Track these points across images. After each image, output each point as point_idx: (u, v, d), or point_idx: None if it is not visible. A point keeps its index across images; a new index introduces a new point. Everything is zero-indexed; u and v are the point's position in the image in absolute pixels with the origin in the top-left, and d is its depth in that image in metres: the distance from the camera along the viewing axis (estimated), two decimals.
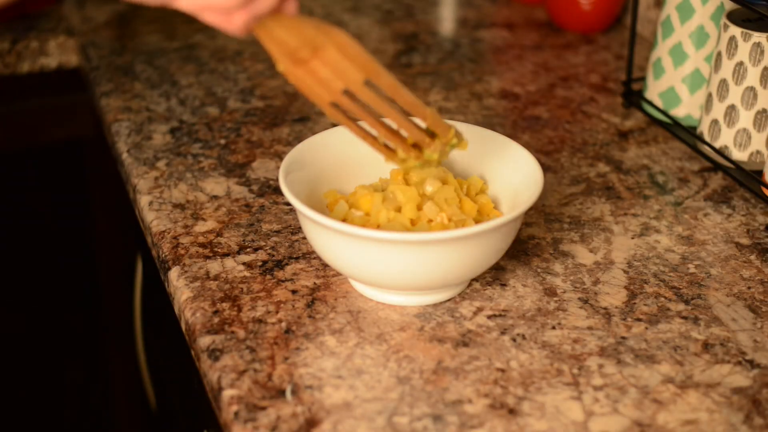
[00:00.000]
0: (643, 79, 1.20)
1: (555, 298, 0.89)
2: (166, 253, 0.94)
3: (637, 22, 1.28)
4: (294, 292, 0.89)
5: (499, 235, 0.84)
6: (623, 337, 0.85)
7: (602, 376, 0.81)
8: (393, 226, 0.86)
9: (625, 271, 0.93)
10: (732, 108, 1.05)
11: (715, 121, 1.07)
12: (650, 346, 0.84)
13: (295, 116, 1.18)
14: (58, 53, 1.38)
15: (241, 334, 0.84)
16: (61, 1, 1.47)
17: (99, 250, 1.54)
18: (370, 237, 0.81)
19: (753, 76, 1.03)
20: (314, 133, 1.06)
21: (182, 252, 0.94)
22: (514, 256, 0.94)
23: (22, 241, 1.55)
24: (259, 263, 0.93)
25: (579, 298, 0.89)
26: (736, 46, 1.03)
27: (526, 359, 0.82)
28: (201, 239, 0.96)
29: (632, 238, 0.98)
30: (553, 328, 0.86)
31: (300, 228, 0.97)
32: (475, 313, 0.87)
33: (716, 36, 1.11)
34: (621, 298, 0.90)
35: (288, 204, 1.01)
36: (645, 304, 0.89)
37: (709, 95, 1.08)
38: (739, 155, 1.06)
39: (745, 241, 0.98)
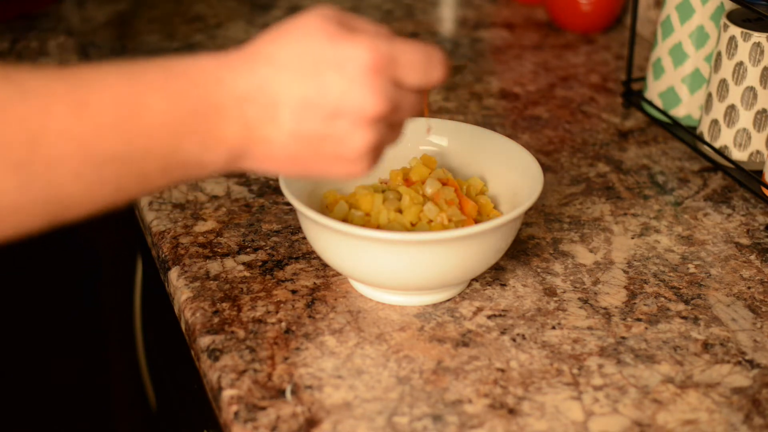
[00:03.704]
0: (643, 79, 1.20)
1: (555, 298, 0.89)
2: (166, 253, 0.94)
3: (637, 22, 1.28)
4: (294, 292, 0.89)
5: (499, 235, 0.84)
6: (623, 337, 0.85)
7: (602, 376, 0.81)
8: (393, 227, 0.86)
9: (625, 271, 0.93)
10: (732, 108, 1.05)
11: (715, 121, 1.07)
12: (650, 346, 0.84)
13: None
14: (58, 53, 1.38)
15: (241, 334, 0.84)
16: (61, 1, 1.47)
17: (99, 250, 1.54)
18: (370, 237, 0.81)
19: (753, 76, 1.03)
20: None
21: (182, 252, 0.94)
22: (514, 256, 0.94)
23: (21, 241, 1.55)
24: (259, 263, 0.93)
25: (579, 298, 0.89)
26: (736, 46, 1.03)
27: (526, 359, 0.82)
28: (201, 239, 0.96)
29: (632, 238, 0.98)
30: (553, 328, 0.86)
31: (300, 228, 0.97)
32: (475, 313, 0.87)
33: (716, 36, 1.11)
34: (621, 298, 0.90)
35: (288, 204, 1.01)
36: (645, 304, 0.89)
37: (709, 95, 1.08)
38: (739, 155, 1.06)
39: (745, 241, 0.98)
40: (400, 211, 0.87)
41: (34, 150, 0.59)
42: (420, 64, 0.67)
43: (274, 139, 0.65)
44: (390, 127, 0.69)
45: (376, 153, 0.68)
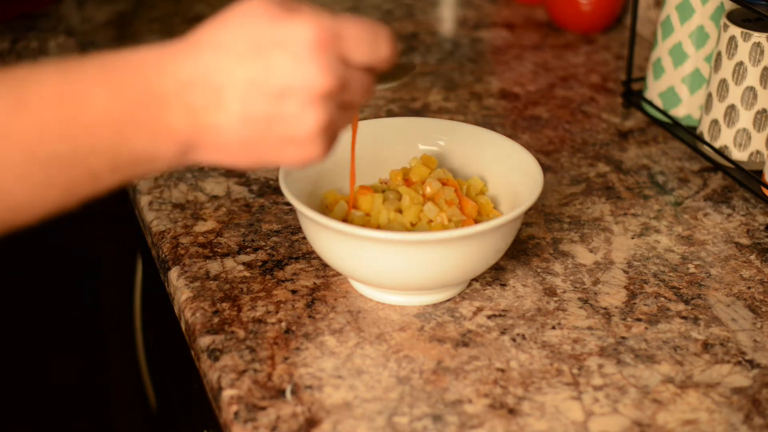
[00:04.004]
0: (643, 79, 1.20)
1: (555, 298, 0.89)
2: (166, 253, 0.94)
3: (637, 22, 1.28)
4: (294, 292, 0.89)
5: (499, 235, 0.84)
6: (623, 337, 0.85)
7: (602, 376, 0.81)
8: (393, 227, 0.86)
9: (625, 271, 0.93)
10: (732, 108, 1.05)
11: (715, 121, 1.07)
12: (650, 346, 0.84)
13: None
14: (58, 53, 1.38)
15: (241, 334, 0.84)
16: (60, 1, 1.47)
17: (99, 250, 1.53)
18: (370, 237, 0.81)
19: (753, 76, 1.03)
20: None
21: (182, 252, 0.94)
22: (514, 256, 0.94)
23: (21, 241, 1.55)
24: (259, 263, 0.93)
25: (579, 298, 0.89)
26: (736, 46, 1.03)
27: (526, 359, 0.82)
28: (201, 239, 0.96)
29: (632, 238, 0.98)
30: (553, 328, 0.86)
31: (300, 228, 0.97)
32: (475, 313, 0.87)
33: (716, 36, 1.11)
34: (621, 298, 0.90)
35: (288, 204, 1.01)
36: (645, 304, 0.89)
37: (709, 95, 1.08)
38: (739, 155, 1.06)
39: (745, 241, 0.98)
40: (400, 211, 0.87)
41: None
42: (366, 40, 0.65)
43: (222, 125, 0.63)
44: (341, 108, 0.66)
45: (328, 135, 0.66)
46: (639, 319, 0.87)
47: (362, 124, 0.96)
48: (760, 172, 1.04)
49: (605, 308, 0.88)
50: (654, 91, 1.17)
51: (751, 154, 1.06)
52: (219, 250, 0.94)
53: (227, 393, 0.79)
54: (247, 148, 0.64)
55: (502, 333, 0.85)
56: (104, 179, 0.62)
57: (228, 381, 0.79)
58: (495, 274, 0.92)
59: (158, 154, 0.63)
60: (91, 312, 1.59)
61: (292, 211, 1.00)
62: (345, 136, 0.94)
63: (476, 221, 0.89)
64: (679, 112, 1.15)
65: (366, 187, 0.90)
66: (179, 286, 0.90)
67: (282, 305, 0.87)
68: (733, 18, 1.05)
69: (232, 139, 0.64)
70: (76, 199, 0.62)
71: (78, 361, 1.62)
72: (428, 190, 0.89)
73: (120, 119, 0.61)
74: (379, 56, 0.66)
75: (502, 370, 0.81)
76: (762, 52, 1.02)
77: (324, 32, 0.63)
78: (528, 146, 1.12)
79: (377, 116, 1.18)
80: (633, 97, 1.20)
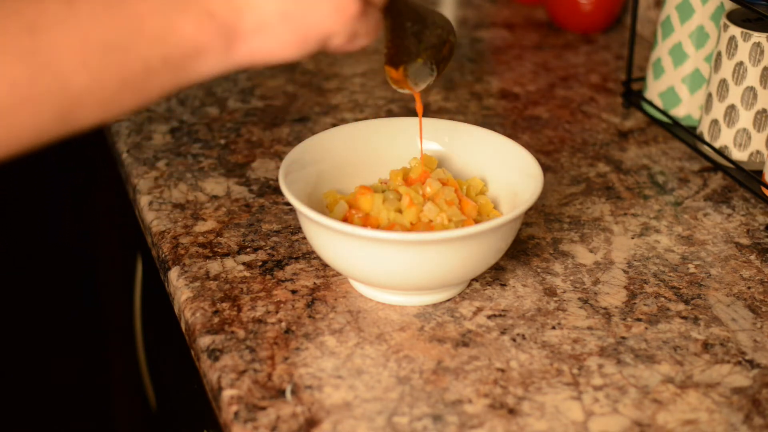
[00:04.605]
0: (643, 79, 1.20)
1: (555, 298, 0.89)
2: (166, 253, 0.94)
3: (637, 22, 1.28)
4: (294, 292, 0.89)
5: (499, 235, 0.84)
6: (623, 337, 0.85)
7: (602, 376, 0.81)
8: (393, 227, 0.86)
9: (625, 271, 0.93)
10: (732, 108, 1.05)
11: (715, 121, 1.07)
12: (650, 346, 0.84)
13: (295, 116, 1.18)
14: None
15: (241, 334, 0.84)
16: None
17: (99, 250, 1.53)
18: (370, 237, 0.81)
19: (753, 76, 1.03)
20: (314, 133, 1.06)
21: (182, 252, 0.94)
22: (514, 256, 0.94)
23: (23, 241, 1.55)
24: (259, 263, 0.93)
25: (579, 298, 0.89)
26: (736, 46, 1.03)
27: (526, 359, 0.82)
28: (201, 239, 0.96)
29: (632, 238, 0.98)
30: (553, 328, 0.86)
31: (300, 228, 0.97)
32: (475, 313, 0.87)
33: (716, 36, 1.11)
34: (621, 298, 0.90)
35: (288, 204, 1.01)
36: (645, 304, 0.89)
37: (709, 95, 1.08)
38: (739, 155, 1.06)
39: (745, 241, 0.98)
40: (400, 211, 0.87)
41: (35, 38, 0.61)
42: None
43: (259, 1, 0.68)
44: None
45: None
46: (639, 319, 0.87)
47: (362, 124, 0.96)
48: (760, 172, 1.04)
49: (605, 308, 0.88)
50: (654, 91, 1.17)
51: (751, 154, 1.06)
52: (219, 250, 0.94)
53: (227, 393, 0.79)
54: (288, 17, 0.68)
55: (502, 333, 0.85)
56: (157, 73, 0.66)
57: (228, 381, 0.79)
58: (495, 274, 0.92)
59: (205, 43, 0.67)
60: (91, 312, 1.59)
61: (292, 211, 1.00)
62: (339, 139, 0.94)
63: (476, 221, 0.89)
64: (679, 112, 1.15)
65: (366, 187, 0.90)
66: (179, 286, 0.90)
67: (282, 305, 0.88)
68: (733, 18, 1.05)
69: (271, 11, 0.68)
70: (133, 95, 0.66)
71: (78, 361, 1.62)
72: (428, 190, 0.89)
73: (164, 5, 0.66)
74: None
75: (502, 370, 0.81)
76: (762, 52, 1.02)
77: None
78: (528, 146, 1.12)
79: (377, 116, 1.18)
80: (633, 97, 1.20)
